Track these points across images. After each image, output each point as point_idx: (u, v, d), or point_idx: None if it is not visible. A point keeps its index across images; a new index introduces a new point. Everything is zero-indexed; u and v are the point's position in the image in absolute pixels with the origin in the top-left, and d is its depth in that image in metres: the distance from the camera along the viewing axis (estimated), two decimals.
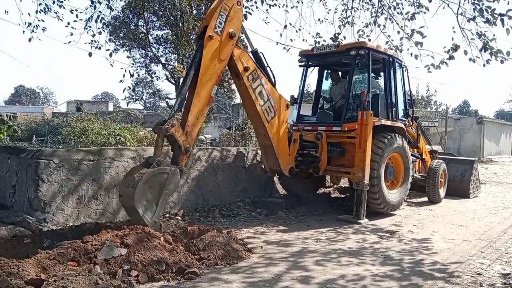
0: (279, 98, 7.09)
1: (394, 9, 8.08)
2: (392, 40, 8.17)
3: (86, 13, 8.64)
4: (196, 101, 5.61)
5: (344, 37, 9.03)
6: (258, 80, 6.64)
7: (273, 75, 7.00)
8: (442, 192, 9.70)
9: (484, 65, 6.22)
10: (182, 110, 5.63)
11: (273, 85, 6.97)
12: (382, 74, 8.51)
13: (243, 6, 6.35)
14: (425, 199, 9.62)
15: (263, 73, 6.78)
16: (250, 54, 6.71)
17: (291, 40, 9.69)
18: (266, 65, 6.90)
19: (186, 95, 5.66)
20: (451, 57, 6.52)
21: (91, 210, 5.88)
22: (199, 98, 5.64)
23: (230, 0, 5.98)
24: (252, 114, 6.95)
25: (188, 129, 5.51)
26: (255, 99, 6.63)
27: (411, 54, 7.30)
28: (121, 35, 21.05)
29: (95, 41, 8.87)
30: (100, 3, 8.63)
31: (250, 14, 8.88)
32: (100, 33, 8.91)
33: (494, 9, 5.92)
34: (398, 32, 7.78)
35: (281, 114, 7.06)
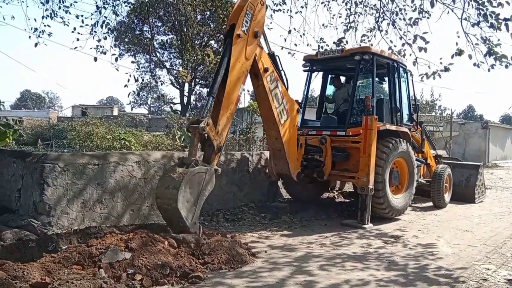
0: (292, 102, 7.17)
1: (397, 14, 8.09)
2: (395, 46, 8.16)
3: (91, 19, 8.72)
4: (226, 101, 5.62)
5: (347, 42, 9.05)
6: (275, 82, 6.71)
7: (286, 79, 7.07)
8: (447, 197, 9.65)
9: (488, 70, 6.21)
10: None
11: (287, 88, 7.04)
12: (386, 79, 8.50)
13: (266, 6, 6.40)
14: (430, 204, 9.57)
15: (279, 76, 6.84)
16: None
17: (296, 45, 9.70)
18: (281, 68, 6.96)
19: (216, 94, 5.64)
20: (446, 69, 6.54)
21: (95, 214, 5.90)
22: (229, 98, 5.66)
23: None
24: (266, 116, 6.99)
25: (219, 128, 5.51)
26: (272, 101, 6.68)
27: (415, 59, 7.29)
28: (126, 40, 21.20)
29: (101, 46, 8.95)
30: (105, 8, 8.72)
31: None
32: (105, 38, 9.00)
33: (499, 14, 5.92)
34: (401, 38, 7.78)
35: (293, 117, 7.12)
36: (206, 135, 5.28)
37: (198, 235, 5.00)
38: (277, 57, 6.94)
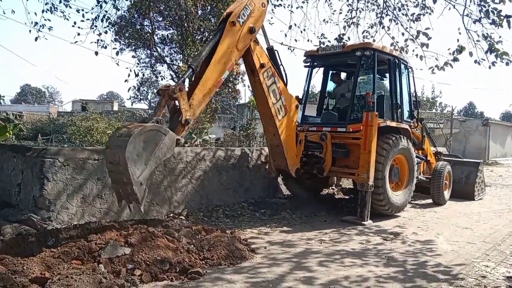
0: (290, 98, 7.14)
1: (399, 10, 8.05)
2: (397, 42, 8.12)
3: (92, 13, 8.68)
4: (206, 79, 5.57)
5: (349, 38, 9.02)
6: (272, 78, 6.68)
7: (285, 74, 7.05)
8: (446, 194, 9.66)
9: (489, 67, 6.19)
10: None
11: (285, 84, 7.01)
12: (387, 75, 8.48)
13: (267, 9, 6.45)
14: (430, 201, 9.58)
15: (277, 72, 6.81)
16: (266, 52, 6.74)
17: (296, 40, 9.63)
18: (280, 63, 6.94)
19: (198, 68, 5.55)
20: (455, 59, 6.49)
21: (95, 209, 5.90)
22: (209, 77, 5.60)
23: None
24: (264, 112, 6.98)
25: (193, 102, 5.37)
26: (268, 97, 6.66)
27: (417, 55, 7.26)
28: (127, 34, 21.12)
29: (101, 40, 8.92)
30: (106, 2, 8.66)
31: None
32: (106, 32, 8.95)
33: (500, 11, 5.88)
34: (403, 34, 7.74)
35: (291, 114, 7.09)
36: (175, 102, 5.11)
37: (141, 198, 4.54)
38: (276, 52, 6.92)
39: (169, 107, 5.28)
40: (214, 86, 5.77)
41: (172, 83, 6.19)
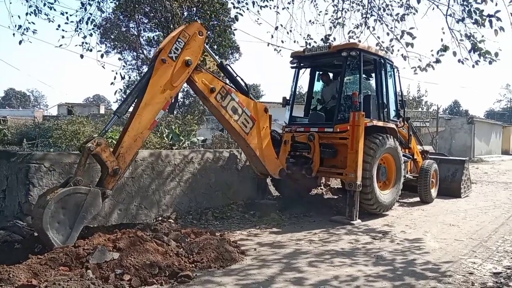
0: (255, 106, 6.87)
1: (384, 10, 8.12)
2: (383, 42, 8.20)
3: (76, 15, 8.58)
4: (137, 123, 5.25)
5: (334, 38, 9.07)
6: (228, 96, 6.41)
7: (244, 83, 6.80)
8: (433, 192, 9.77)
9: (473, 66, 6.27)
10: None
11: (246, 94, 6.76)
12: (373, 75, 8.55)
13: (206, 36, 6.09)
14: (417, 199, 9.68)
15: (233, 86, 6.61)
16: (213, 73, 6.47)
17: (282, 41, 9.63)
18: (235, 75, 6.73)
19: (124, 114, 5.39)
20: (437, 61, 6.59)
21: None
22: (140, 121, 5.28)
23: (191, 28, 5.81)
24: (230, 130, 6.79)
25: (122, 150, 5.12)
26: (229, 117, 6.44)
27: (402, 55, 7.34)
28: (112, 37, 20.96)
29: (86, 43, 8.82)
30: (90, 5, 8.58)
31: (241, 15, 8.88)
32: (91, 35, 8.86)
33: (483, 11, 5.97)
34: (388, 34, 7.82)
35: (260, 121, 6.89)
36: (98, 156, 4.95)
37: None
38: (227, 66, 6.75)
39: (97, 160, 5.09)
40: (148, 129, 5.46)
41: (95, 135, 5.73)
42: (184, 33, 5.71)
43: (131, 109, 5.45)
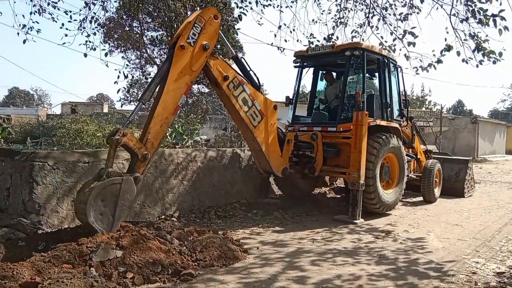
0: (265, 101, 6.96)
1: (386, 10, 8.10)
2: (386, 41, 8.18)
3: (80, 14, 8.61)
4: (161, 109, 5.44)
5: (337, 37, 9.06)
6: (240, 87, 6.53)
7: (257, 78, 6.90)
8: (437, 191, 9.75)
9: (477, 65, 6.25)
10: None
11: (258, 88, 6.86)
12: (376, 74, 8.54)
13: (220, 19, 6.23)
14: (420, 198, 9.66)
15: (245, 79, 6.70)
16: (230, 61, 6.63)
17: (285, 41, 9.63)
18: (248, 69, 6.81)
19: (148, 100, 5.56)
20: (439, 61, 6.57)
21: None
22: (164, 106, 5.47)
23: (206, 13, 5.93)
24: (238, 121, 6.90)
25: (149, 136, 5.32)
26: (239, 107, 6.54)
27: (405, 55, 7.32)
28: (116, 36, 21.01)
29: (90, 42, 8.84)
30: (94, 4, 8.60)
31: (245, 15, 8.87)
32: (95, 34, 8.89)
33: (487, 10, 5.94)
34: (391, 33, 7.80)
35: (269, 116, 6.98)
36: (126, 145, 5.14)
37: None
38: (242, 59, 6.84)
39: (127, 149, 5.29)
40: (172, 114, 5.65)
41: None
42: (200, 18, 5.84)
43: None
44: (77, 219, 5.16)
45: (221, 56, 6.46)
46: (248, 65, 6.84)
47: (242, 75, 6.71)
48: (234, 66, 6.81)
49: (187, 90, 5.85)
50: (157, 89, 5.59)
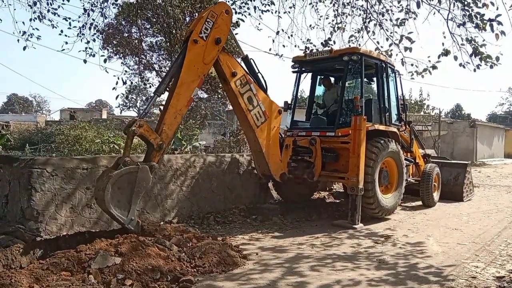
0: (270, 104, 7.13)
1: (383, 15, 8.13)
2: (382, 47, 8.20)
3: (79, 21, 8.63)
4: (175, 101, 5.71)
5: (334, 42, 9.09)
6: (247, 86, 6.72)
7: (264, 81, 7.08)
8: (436, 196, 9.74)
9: (474, 70, 6.27)
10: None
11: (265, 91, 7.03)
12: (374, 79, 8.56)
13: (232, 15, 6.46)
14: (419, 203, 9.65)
15: (253, 79, 6.84)
16: (240, 60, 6.81)
17: (284, 46, 9.65)
18: (257, 71, 6.98)
19: (163, 93, 5.80)
20: (434, 67, 6.61)
21: (84, 219, 5.84)
22: (178, 98, 5.74)
23: (218, 8, 6.16)
24: (242, 119, 7.03)
25: (165, 127, 5.60)
26: (244, 105, 6.72)
27: (401, 59, 7.35)
28: (115, 42, 21.05)
29: (90, 48, 8.86)
30: (93, 11, 8.63)
31: (243, 21, 8.91)
32: (94, 40, 8.90)
33: (484, 15, 5.97)
34: (387, 39, 7.82)
35: (272, 120, 7.10)
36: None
37: (137, 230, 5.17)
38: (251, 60, 6.99)
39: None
40: (185, 106, 5.91)
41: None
42: (212, 13, 6.07)
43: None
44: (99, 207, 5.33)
45: (230, 54, 6.61)
46: (257, 67, 7.00)
47: (251, 75, 6.83)
48: (243, 66, 6.96)
49: (199, 83, 6.04)
50: (171, 82, 5.82)
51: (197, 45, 5.90)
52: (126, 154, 5.23)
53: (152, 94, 6.02)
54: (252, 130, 6.90)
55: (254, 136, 6.94)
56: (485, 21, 5.91)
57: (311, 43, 9.28)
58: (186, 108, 6.06)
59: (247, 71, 6.83)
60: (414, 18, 7.65)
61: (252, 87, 6.77)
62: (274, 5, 9.29)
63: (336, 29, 8.88)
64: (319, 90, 9.48)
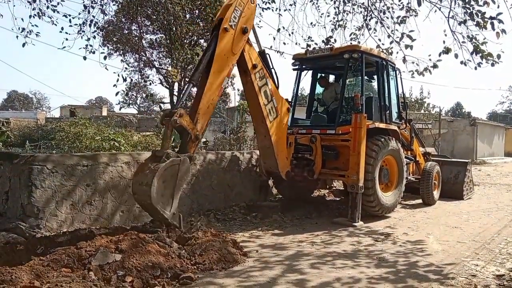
0: (281, 100, 7.16)
1: (384, 13, 8.13)
2: (383, 44, 8.20)
3: (79, 18, 8.62)
4: (208, 90, 5.67)
5: (335, 40, 9.09)
6: (264, 80, 6.74)
7: (277, 77, 7.09)
8: (436, 194, 9.75)
9: (475, 68, 6.27)
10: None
11: (277, 87, 7.06)
12: (375, 77, 8.55)
13: (256, 5, 6.47)
14: (420, 201, 9.66)
15: (269, 74, 6.87)
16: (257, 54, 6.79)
17: (284, 43, 9.67)
18: (271, 66, 6.99)
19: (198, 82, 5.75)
20: (435, 66, 6.61)
21: (85, 216, 5.85)
22: (211, 87, 5.70)
23: None
24: (255, 113, 7.00)
25: (199, 117, 5.56)
26: (260, 97, 6.71)
27: (403, 57, 7.34)
28: (115, 39, 21.03)
29: (90, 45, 8.84)
30: (93, 7, 8.62)
31: None
32: (94, 37, 8.89)
33: (484, 13, 5.97)
34: (388, 36, 7.81)
35: (282, 116, 7.13)
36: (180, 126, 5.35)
37: (179, 224, 5.14)
38: (267, 55, 6.98)
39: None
40: (217, 95, 5.90)
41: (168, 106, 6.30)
42: (240, 2, 6.03)
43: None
44: (137, 202, 5.27)
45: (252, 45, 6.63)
46: (271, 63, 7.00)
47: (267, 70, 6.86)
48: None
49: (229, 72, 6.06)
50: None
51: (227, 34, 5.85)
52: (166, 146, 5.13)
53: (186, 85, 5.90)
54: (265, 125, 6.88)
55: (266, 131, 6.93)
56: (486, 19, 5.91)
57: (312, 40, 9.29)
58: (218, 98, 6.03)
59: (264, 64, 6.83)
60: (415, 16, 7.65)
61: (268, 81, 6.79)
62: (275, 2, 9.29)
63: (337, 26, 8.88)
64: (320, 88, 9.47)
